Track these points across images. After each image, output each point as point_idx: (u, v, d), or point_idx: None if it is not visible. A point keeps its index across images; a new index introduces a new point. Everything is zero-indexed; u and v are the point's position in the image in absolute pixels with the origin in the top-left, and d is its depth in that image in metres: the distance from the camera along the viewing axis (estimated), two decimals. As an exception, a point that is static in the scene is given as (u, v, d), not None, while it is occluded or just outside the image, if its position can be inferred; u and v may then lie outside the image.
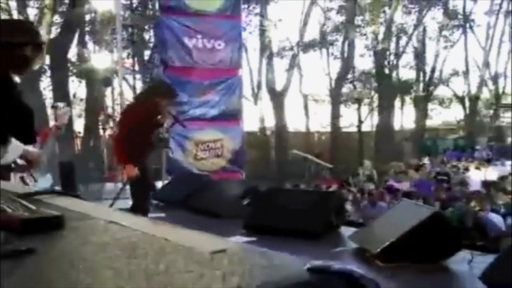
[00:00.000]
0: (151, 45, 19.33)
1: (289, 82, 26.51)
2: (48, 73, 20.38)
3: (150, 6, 20.00)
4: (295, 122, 27.42)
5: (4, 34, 2.87)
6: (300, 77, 27.51)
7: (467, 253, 4.96)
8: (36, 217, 1.02)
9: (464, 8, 27.94)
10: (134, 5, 20.41)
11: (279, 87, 26.25)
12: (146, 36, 21.39)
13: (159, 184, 9.93)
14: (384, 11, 26.81)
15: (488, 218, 8.76)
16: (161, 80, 10.91)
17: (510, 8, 26.61)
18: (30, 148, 3.22)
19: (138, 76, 19.84)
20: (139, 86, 17.79)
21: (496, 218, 8.81)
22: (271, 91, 26.03)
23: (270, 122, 26.54)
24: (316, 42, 27.81)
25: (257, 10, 26.30)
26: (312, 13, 26.91)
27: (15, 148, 3.11)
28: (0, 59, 2.83)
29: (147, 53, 20.34)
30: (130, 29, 17.67)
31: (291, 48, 27.06)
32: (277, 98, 25.92)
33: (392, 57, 27.49)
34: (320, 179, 13.64)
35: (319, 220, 6.26)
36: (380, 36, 26.65)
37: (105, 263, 0.74)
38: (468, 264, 4.87)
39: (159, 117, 5.80)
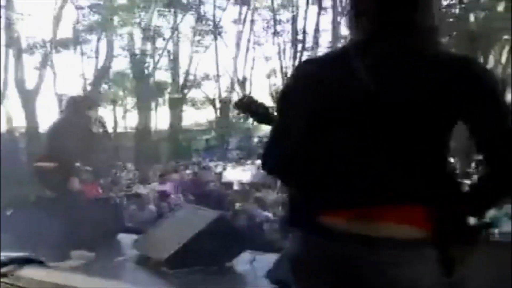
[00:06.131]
0: None
1: (41, 81, 24.90)
2: None
3: None
4: (48, 123, 25.88)
5: None
6: (53, 76, 26.14)
7: (250, 254, 5.22)
8: None
9: (214, 15, 29.31)
10: None
11: (30, 86, 24.49)
12: None
13: None
14: (138, 14, 26.72)
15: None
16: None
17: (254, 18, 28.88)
18: None
19: None
20: None
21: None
22: (21, 89, 24.12)
23: (21, 123, 24.58)
24: (69, 40, 26.68)
25: (3, 3, 24.16)
26: (65, 10, 25.67)
27: None
28: None
29: None
30: None
31: (44, 45, 25.48)
32: (28, 97, 24.11)
33: (148, 59, 27.59)
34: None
35: (95, 229, 5.98)
36: (136, 38, 26.56)
37: None
38: (251, 264, 5.13)
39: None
